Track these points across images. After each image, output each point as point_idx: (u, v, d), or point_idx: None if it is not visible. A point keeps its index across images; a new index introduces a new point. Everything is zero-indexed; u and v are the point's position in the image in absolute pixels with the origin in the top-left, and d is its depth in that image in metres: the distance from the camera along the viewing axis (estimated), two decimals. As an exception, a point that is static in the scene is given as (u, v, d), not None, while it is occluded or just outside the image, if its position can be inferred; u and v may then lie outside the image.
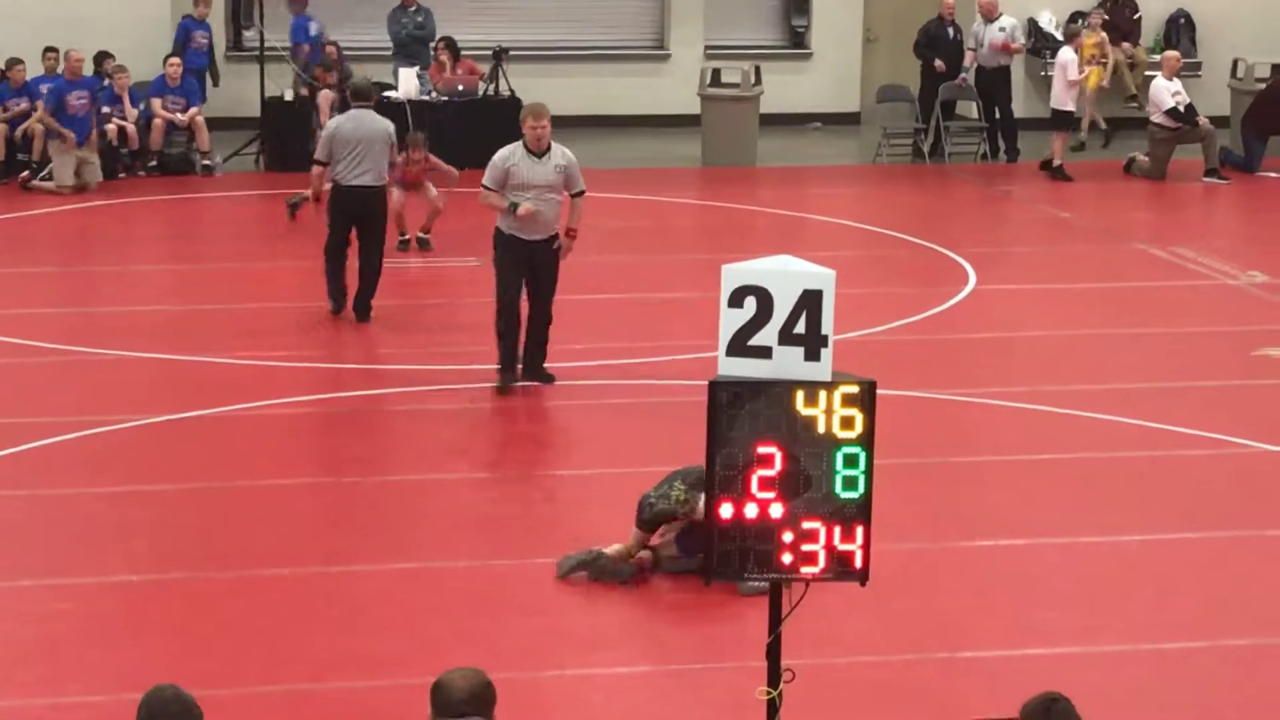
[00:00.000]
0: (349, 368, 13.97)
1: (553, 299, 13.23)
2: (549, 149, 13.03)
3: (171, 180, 21.52)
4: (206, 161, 21.95)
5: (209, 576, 9.99)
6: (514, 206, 12.93)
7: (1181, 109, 22.55)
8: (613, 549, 9.95)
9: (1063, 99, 22.98)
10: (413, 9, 23.15)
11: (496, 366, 13.23)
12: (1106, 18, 25.03)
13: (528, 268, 13.14)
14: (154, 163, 21.83)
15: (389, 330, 14.89)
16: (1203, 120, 22.69)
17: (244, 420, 12.77)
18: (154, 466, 11.80)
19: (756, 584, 9.36)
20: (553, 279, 13.23)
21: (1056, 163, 22.66)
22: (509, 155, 13.10)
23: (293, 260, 17.67)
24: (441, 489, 11.56)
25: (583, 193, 13.31)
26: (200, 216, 20.60)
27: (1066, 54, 23.11)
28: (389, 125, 15.25)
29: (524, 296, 13.20)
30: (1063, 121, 23.00)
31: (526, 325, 13.25)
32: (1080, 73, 23.16)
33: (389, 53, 23.23)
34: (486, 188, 13.18)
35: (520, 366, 13.27)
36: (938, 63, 23.67)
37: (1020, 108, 24.58)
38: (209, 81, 23.05)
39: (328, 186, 15.34)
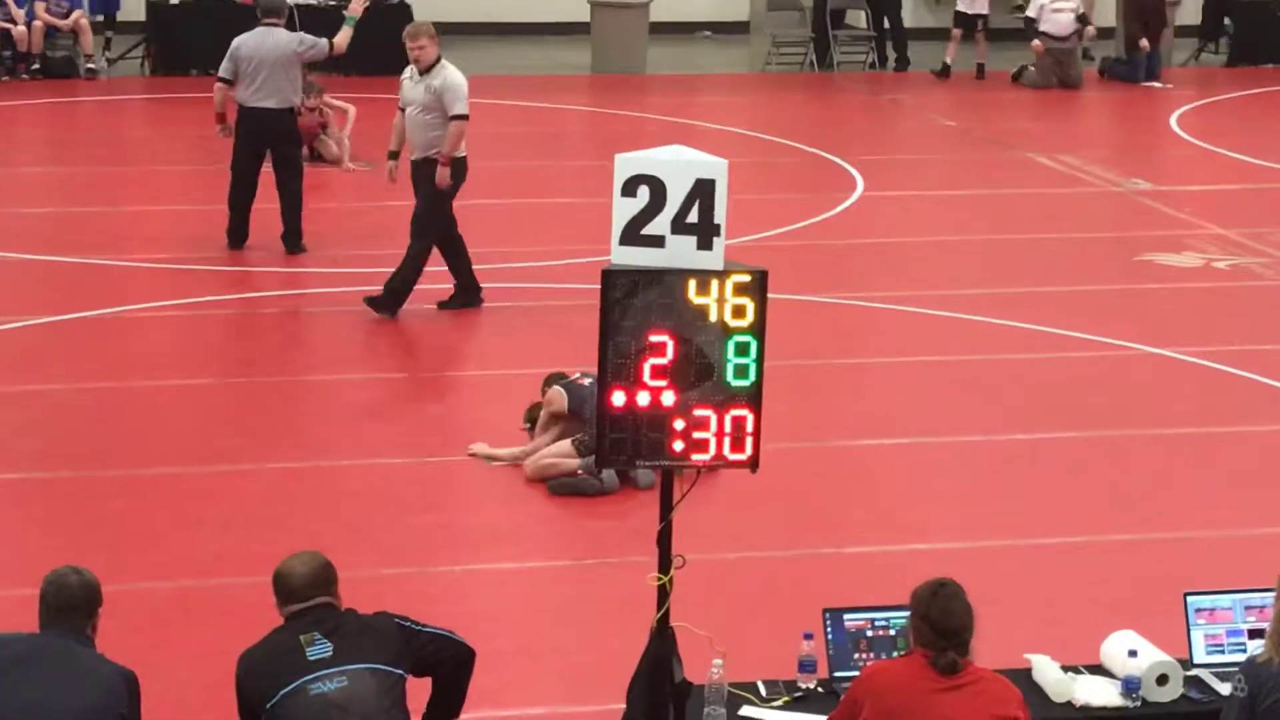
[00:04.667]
0: (237, 270, 13.86)
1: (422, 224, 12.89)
2: (429, 69, 12.83)
3: (55, 84, 21.21)
4: (90, 65, 21.64)
5: (94, 475, 9.92)
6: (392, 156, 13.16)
7: (1076, 17, 22.81)
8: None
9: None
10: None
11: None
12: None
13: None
14: (36, 66, 21.49)
15: (275, 235, 14.72)
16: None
17: (130, 322, 12.66)
18: (39, 366, 11.67)
19: (570, 481, 9.71)
20: (422, 197, 12.80)
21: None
22: (406, 73, 12.94)
23: (177, 165, 17.50)
24: (330, 390, 11.52)
25: (455, 117, 12.71)
26: (83, 120, 20.30)
27: None
28: (294, 41, 14.20)
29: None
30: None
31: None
32: None
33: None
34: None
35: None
36: None
37: (910, 17, 24.65)
38: None
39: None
